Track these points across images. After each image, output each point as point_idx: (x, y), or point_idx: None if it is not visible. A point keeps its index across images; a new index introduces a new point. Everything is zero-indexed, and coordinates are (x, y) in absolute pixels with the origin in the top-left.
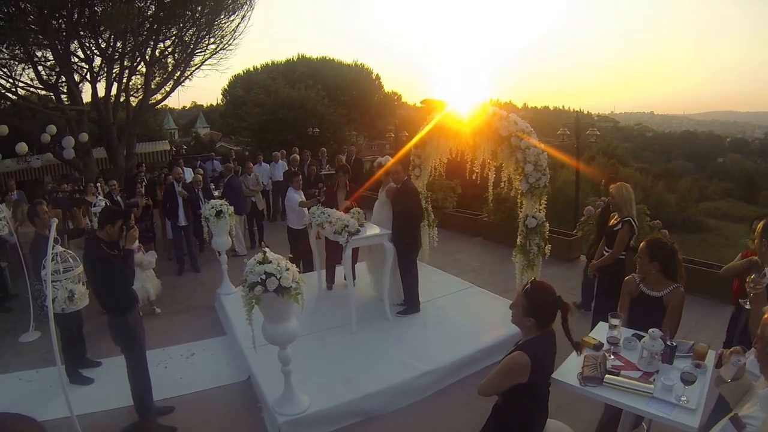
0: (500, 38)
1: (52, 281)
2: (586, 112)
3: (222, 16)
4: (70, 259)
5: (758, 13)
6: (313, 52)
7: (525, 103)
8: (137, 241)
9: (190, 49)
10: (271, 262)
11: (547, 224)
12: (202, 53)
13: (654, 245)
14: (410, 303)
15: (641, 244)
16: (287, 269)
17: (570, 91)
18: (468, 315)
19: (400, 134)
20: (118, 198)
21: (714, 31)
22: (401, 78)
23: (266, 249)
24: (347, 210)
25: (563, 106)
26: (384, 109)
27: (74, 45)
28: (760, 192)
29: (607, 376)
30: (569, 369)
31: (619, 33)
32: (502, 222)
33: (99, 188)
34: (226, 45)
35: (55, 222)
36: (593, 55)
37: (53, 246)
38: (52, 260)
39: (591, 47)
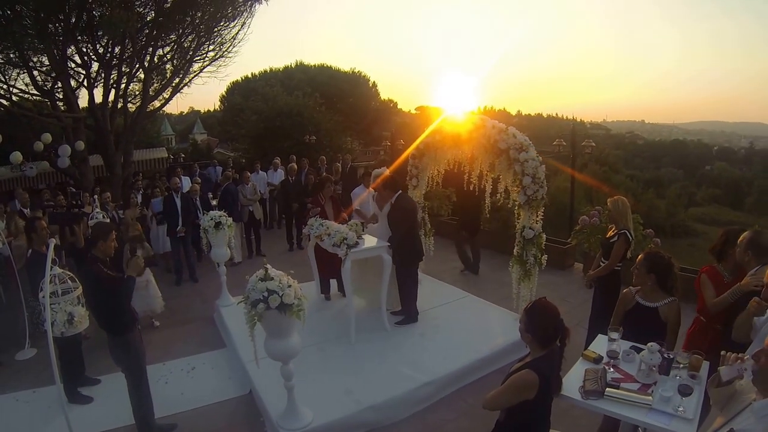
0: (493, 45)
1: (51, 304)
2: (579, 119)
3: (222, 23)
4: (68, 280)
5: (749, 27)
6: (311, 60)
7: (519, 111)
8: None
9: (189, 56)
10: (273, 279)
11: (544, 235)
12: (201, 60)
13: (652, 258)
14: (407, 313)
15: (639, 257)
16: (289, 286)
17: (563, 94)
18: (465, 324)
19: (396, 142)
20: (114, 213)
21: (697, 44)
22: (397, 85)
23: (267, 265)
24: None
25: (557, 114)
26: (380, 116)
27: (71, 50)
28: (745, 199)
29: (607, 389)
30: (571, 382)
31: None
32: (497, 230)
33: (96, 199)
34: (226, 52)
35: (53, 242)
36: (587, 60)
37: (51, 267)
38: (50, 282)
39: (585, 53)
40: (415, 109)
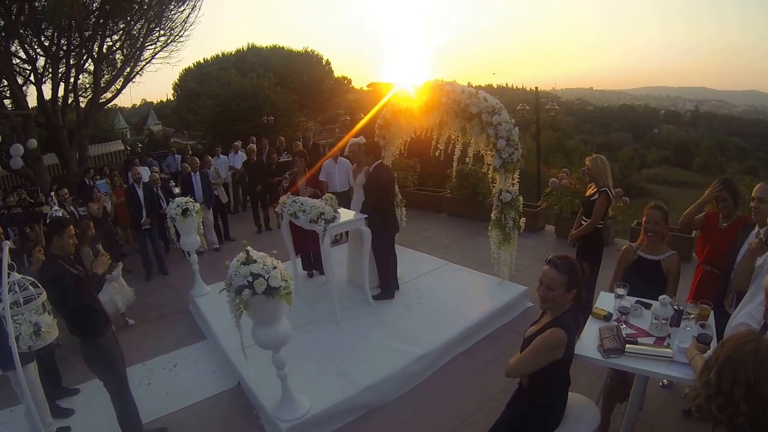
0: (440, 19)
1: (13, 315)
2: (529, 89)
3: (171, 6)
4: (30, 286)
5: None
6: (263, 41)
7: (469, 82)
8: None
9: (139, 43)
10: (256, 261)
11: (521, 198)
12: (153, 46)
13: (664, 210)
14: (386, 287)
15: (650, 209)
16: (274, 267)
17: (512, 66)
18: (449, 293)
19: (356, 116)
20: (72, 208)
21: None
22: (349, 62)
23: (248, 247)
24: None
25: (506, 84)
26: (334, 94)
27: (14, 45)
28: (693, 159)
29: (627, 345)
30: (587, 342)
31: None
32: (466, 197)
33: (53, 197)
34: (177, 36)
35: (7, 245)
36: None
37: (8, 273)
38: (9, 290)
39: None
40: (367, 86)
